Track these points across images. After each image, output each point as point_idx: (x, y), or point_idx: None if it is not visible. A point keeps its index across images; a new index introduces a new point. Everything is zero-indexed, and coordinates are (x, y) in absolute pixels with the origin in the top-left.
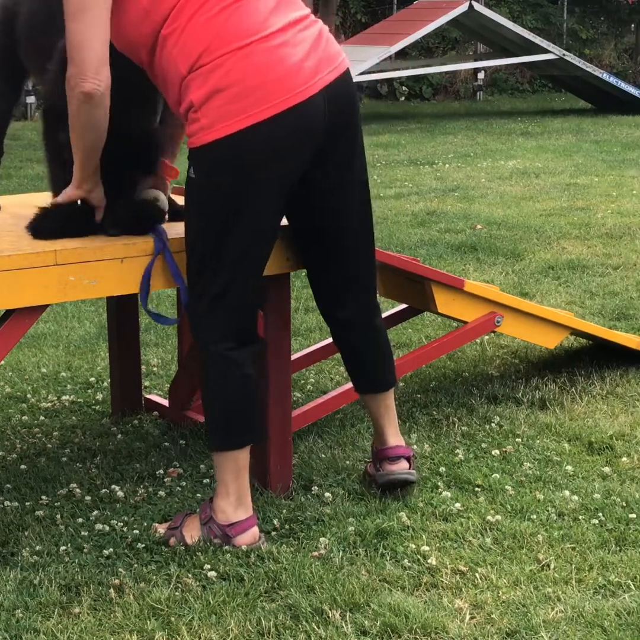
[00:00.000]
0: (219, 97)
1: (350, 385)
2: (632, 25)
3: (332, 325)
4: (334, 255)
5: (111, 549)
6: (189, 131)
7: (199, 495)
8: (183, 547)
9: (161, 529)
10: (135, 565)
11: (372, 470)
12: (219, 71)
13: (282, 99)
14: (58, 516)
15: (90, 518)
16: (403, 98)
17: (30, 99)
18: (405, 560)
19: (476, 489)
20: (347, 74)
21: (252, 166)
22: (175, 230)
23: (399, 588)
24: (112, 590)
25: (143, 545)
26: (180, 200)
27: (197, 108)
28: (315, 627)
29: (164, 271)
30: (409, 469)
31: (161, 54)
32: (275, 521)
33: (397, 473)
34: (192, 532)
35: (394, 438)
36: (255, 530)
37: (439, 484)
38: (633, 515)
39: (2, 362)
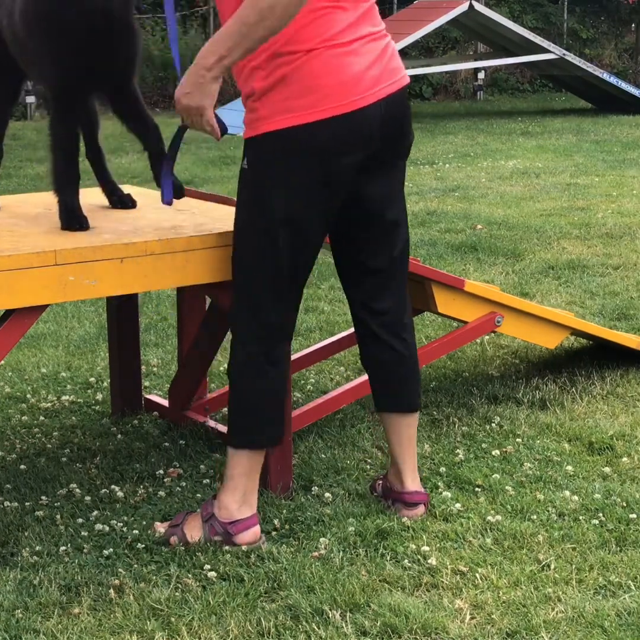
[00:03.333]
0: (281, 91)
1: (350, 385)
2: (633, 25)
3: (368, 322)
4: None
5: (111, 549)
6: (247, 120)
7: (199, 495)
8: (183, 547)
9: (161, 528)
10: (135, 565)
11: (385, 500)
12: (286, 67)
13: (342, 102)
14: (58, 516)
15: (90, 518)
16: None
17: (30, 99)
18: (406, 561)
19: (476, 489)
20: (405, 89)
21: (301, 162)
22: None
23: (399, 588)
24: (112, 590)
25: (143, 545)
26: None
27: (258, 98)
28: (315, 627)
29: (160, 269)
30: (425, 512)
31: None
32: (276, 521)
33: (409, 518)
34: (193, 531)
35: (413, 481)
36: (256, 529)
37: (439, 484)
38: (633, 516)
39: (2, 362)
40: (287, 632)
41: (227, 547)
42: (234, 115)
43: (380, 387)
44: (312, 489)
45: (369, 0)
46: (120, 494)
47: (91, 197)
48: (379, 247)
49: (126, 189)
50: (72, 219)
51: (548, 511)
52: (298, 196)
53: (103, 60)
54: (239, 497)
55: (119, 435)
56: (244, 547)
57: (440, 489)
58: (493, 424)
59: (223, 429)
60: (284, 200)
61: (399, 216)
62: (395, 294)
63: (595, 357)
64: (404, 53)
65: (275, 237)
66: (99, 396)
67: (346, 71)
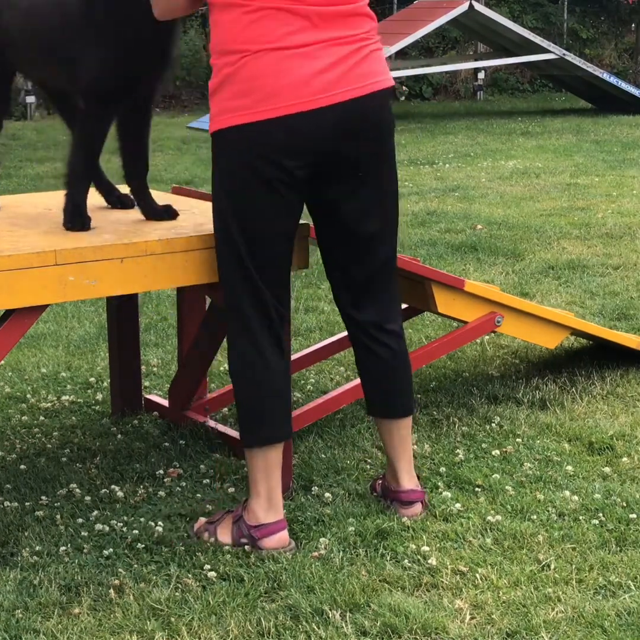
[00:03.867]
0: (226, 90)
1: (349, 385)
2: (633, 25)
3: (352, 329)
4: (348, 259)
5: (111, 549)
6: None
7: (198, 495)
8: (213, 540)
9: (197, 524)
10: (135, 565)
11: (384, 500)
12: (231, 67)
13: (283, 105)
14: (58, 516)
15: (90, 518)
16: (403, 98)
17: (30, 99)
18: (406, 561)
19: (476, 489)
20: (377, 94)
21: (240, 162)
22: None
23: (399, 588)
24: (112, 590)
25: (143, 545)
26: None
27: (211, 96)
28: (315, 627)
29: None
30: (423, 510)
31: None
32: None
33: (405, 517)
34: (224, 530)
35: (409, 480)
36: (283, 534)
37: (439, 484)
38: (633, 516)
39: (2, 362)
40: (287, 632)
41: (226, 548)
42: None
43: (368, 392)
44: (312, 489)
45: (336, 5)
46: (120, 494)
47: (91, 197)
48: (356, 260)
49: (125, 189)
50: (76, 216)
51: (548, 511)
52: (240, 195)
53: (148, 67)
54: (263, 501)
55: (119, 435)
56: (246, 548)
57: (440, 489)
58: (493, 424)
59: (223, 429)
60: (229, 197)
61: (378, 230)
62: (377, 304)
63: (595, 357)
64: (404, 53)
65: (229, 229)
66: (99, 396)
67: (290, 73)
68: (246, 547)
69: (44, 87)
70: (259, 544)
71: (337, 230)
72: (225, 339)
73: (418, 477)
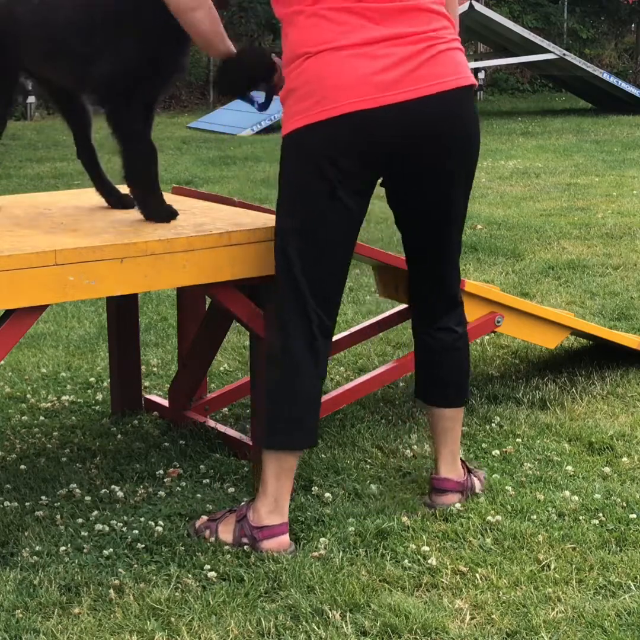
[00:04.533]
0: (291, 96)
1: (350, 385)
2: (633, 25)
3: (417, 323)
4: (418, 255)
5: (111, 549)
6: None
7: (198, 495)
8: (213, 538)
9: (199, 522)
10: (135, 565)
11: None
12: (296, 70)
13: (341, 104)
14: (58, 516)
15: (90, 518)
16: None
17: (31, 99)
18: (406, 561)
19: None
20: (447, 93)
21: (308, 162)
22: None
23: (399, 588)
24: (112, 590)
25: (143, 545)
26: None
27: (282, 102)
28: (315, 627)
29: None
30: (460, 498)
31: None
32: None
33: (437, 506)
34: (226, 528)
35: (446, 469)
36: (284, 538)
37: None
38: (633, 516)
39: (2, 362)
40: (287, 632)
41: (226, 548)
42: (233, 115)
43: (419, 377)
44: (312, 489)
45: (395, 1)
46: (120, 494)
47: (90, 196)
48: (417, 243)
49: (126, 189)
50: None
51: (548, 511)
52: (303, 200)
53: (172, 68)
54: (269, 502)
55: (119, 435)
56: (245, 547)
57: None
58: (493, 424)
59: (223, 428)
60: (291, 204)
61: (446, 226)
62: (431, 288)
63: (595, 357)
64: None
65: (287, 240)
66: (99, 396)
67: (350, 73)
68: (246, 547)
69: (48, 87)
70: (259, 545)
71: (404, 217)
72: (225, 339)
73: (469, 471)
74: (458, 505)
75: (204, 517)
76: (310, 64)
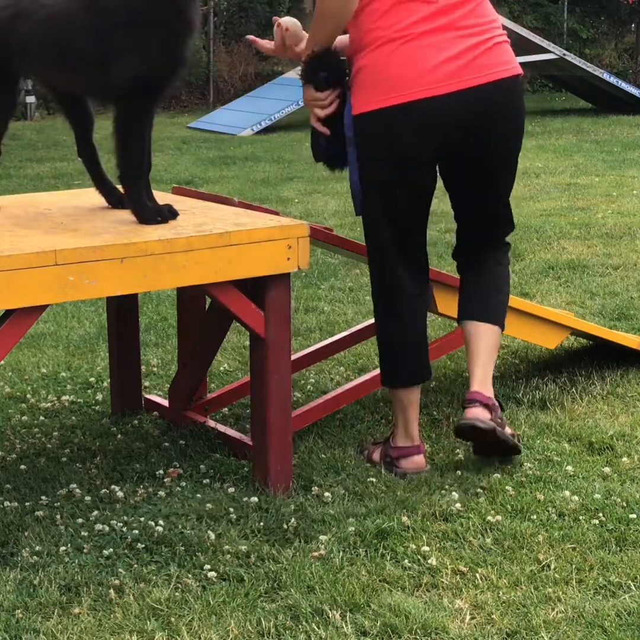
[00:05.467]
0: (358, 80)
1: (350, 385)
2: (633, 25)
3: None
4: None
5: (111, 549)
6: None
7: (198, 495)
8: (365, 456)
9: (364, 447)
10: (135, 565)
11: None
12: (363, 59)
13: (407, 91)
14: (58, 516)
15: (90, 518)
16: None
17: (30, 99)
18: (406, 561)
19: (477, 489)
20: (502, 81)
21: (373, 145)
22: None
23: (399, 588)
24: (112, 590)
25: (143, 545)
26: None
27: (350, 86)
28: (315, 627)
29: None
30: (489, 417)
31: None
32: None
33: (465, 419)
34: (377, 450)
35: (478, 386)
36: (418, 458)
37: (439, 484)
38: (633, 516)
39: (2, 362)
40: (287, 632)
41: (226, 548)
42: (233, 115)
43: (463, 295)
44: (312, 488)
45: None
46: (120, 494)
47: (90, 196)
48: (469, 216)
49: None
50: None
51: (548, 511)
52: (374, 175)
53: (184, 66)
54: (400, 430)
55: (119, 435)
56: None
57: (440, 489)
58: None
59: (223, 428)
60: (369, 183)
61: (496, 202)
62: (488, 218)
63: (595, 357)
64: None
65: (373, 206)
66: (99, 396)
67: (416, 62)
68: (388, 462)
69: (51, 89)
70: (396, 463)
71: (466, 205)
72: (225, 339)
73: (501, 407)
74: (458, 505)
75: (371, 442)
76: (379, 51)
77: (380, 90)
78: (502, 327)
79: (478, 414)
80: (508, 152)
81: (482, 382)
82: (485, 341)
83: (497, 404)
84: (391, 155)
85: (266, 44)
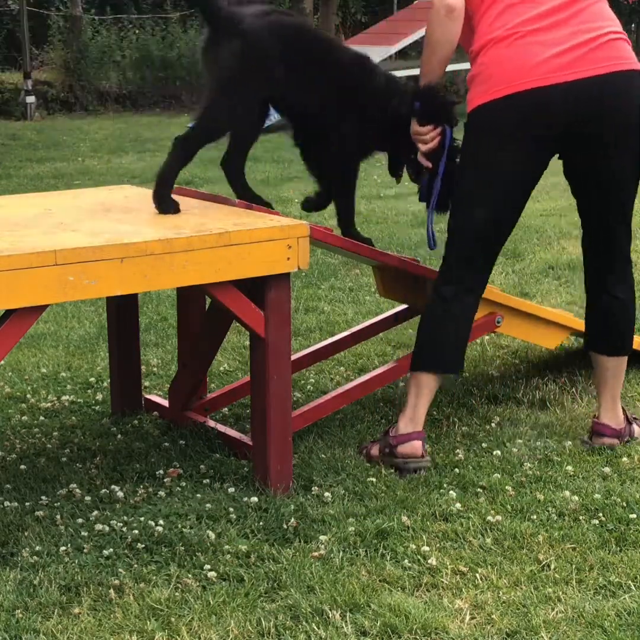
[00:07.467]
0: (475, 77)
1: (350, 385)
2: (633, 25)
3: (593, 286)
4: (592, 222)
5: (111, 549)
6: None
7: (198, 495)
8: (364, 453)
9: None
10: (135, 565)
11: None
12: (480, 58)
13: (517, 82)
14: (58, 516)
15: (90, 518)
16: None
17: (30, 99)
18: (406, 561)
19: (477, 489)
20: (611, 76)
21: (487, 135)
22: None
23: (399, 588)
24: (112, 590)
25: (143, 545)
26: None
27: (468, 84)
28: (315, 627)
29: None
30: (617, 443)
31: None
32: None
33: (595, 445)
34: (376, 445)
35: (605, 415)
36: (417, 444)
37: (439, 483)
38: (633, 516)
39: (2, 362)
40: (287, 632)
41: (226, 548)
42: None
43: (587, 328)
44: (312, 488)
45: None
46: (120, 494)
47: (90, 196)
48: (593, 210)
49: (126, 189)
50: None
51: (548, 511)
52: (483, 167)
53: None
54: (407, 414)
55: (119, 435)
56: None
57: (440, 489)
58: (493, 424)
59: (223, 428)
60: (474, 162)
61: (618, 196)
62: (604, 252)
63: None
64: (404, 53)
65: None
66: (99, 396)
67: (527, 57)
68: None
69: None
70: (394, 451)
71: (582, 184)
72: (225, 339)
73: (629, 420)
74: (458, 505)
75: (369, 442)
76: (490, 52)
77: (492, 84)
78: (629, 352)
79: (607, 443)
80: (626, 150)
81: (609, 413)
82: (612, 373)
83: (624, 420)
84: (499, 148)
85: None
